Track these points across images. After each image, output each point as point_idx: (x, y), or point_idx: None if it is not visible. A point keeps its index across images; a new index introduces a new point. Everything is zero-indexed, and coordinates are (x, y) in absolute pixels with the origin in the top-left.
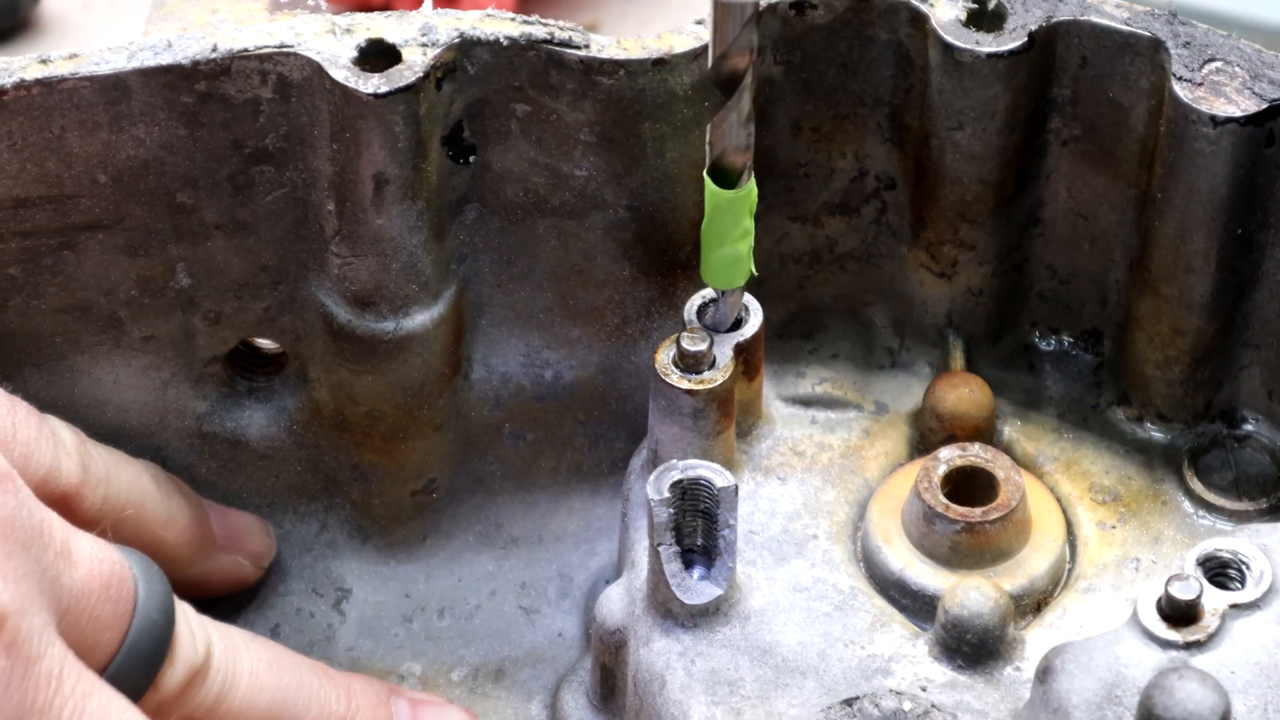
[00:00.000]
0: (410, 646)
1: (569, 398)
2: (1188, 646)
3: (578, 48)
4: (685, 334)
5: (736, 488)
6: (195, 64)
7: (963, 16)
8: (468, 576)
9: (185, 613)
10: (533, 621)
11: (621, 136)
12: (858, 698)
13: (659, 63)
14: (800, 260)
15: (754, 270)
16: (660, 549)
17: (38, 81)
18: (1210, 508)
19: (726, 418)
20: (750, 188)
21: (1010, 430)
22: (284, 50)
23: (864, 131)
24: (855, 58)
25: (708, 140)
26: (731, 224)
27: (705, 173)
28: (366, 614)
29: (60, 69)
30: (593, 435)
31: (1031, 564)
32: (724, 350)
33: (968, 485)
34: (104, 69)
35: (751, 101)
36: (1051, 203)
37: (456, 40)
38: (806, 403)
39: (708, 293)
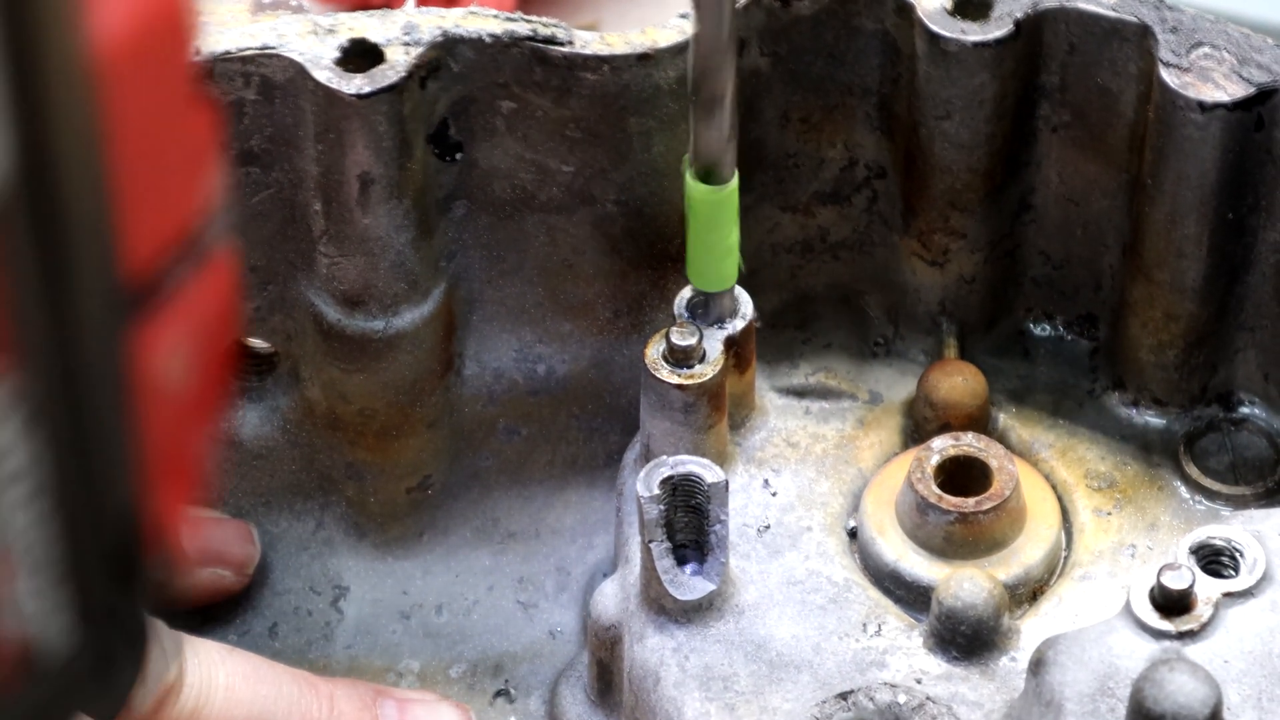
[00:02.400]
0: (408, 644)
1: (562, 392)
2: (1181, 636)
3: (561, 44)
4: (674, 329)
5: (727, 483)
6: None
7: (949, 5)
8: (465, 572)
9: (156, 631)
10: (531, 616)
11: (608, 132)
12: (853, 691)
13: (643, 58)
14: (792, 250)
15: (742, 268)
16: (651, 546)
17: None
18: (1207, 493)
19: (718, 411)
20: (733, 184)
21: (1005, 417)
22: (266, 52)
23: (853, 121)
24: (842, 48)
25: (690, 126)
26: (717, 222)
27: (689, 169)
28: (364, 611)
29: None
30: (587, 429)
31: (1027, 553)
32: (714, 344)
33: (961, 475)
34: None
35: (734, 86)
36: (1042, 189)
37: (440, 39)
38: (800, 393)
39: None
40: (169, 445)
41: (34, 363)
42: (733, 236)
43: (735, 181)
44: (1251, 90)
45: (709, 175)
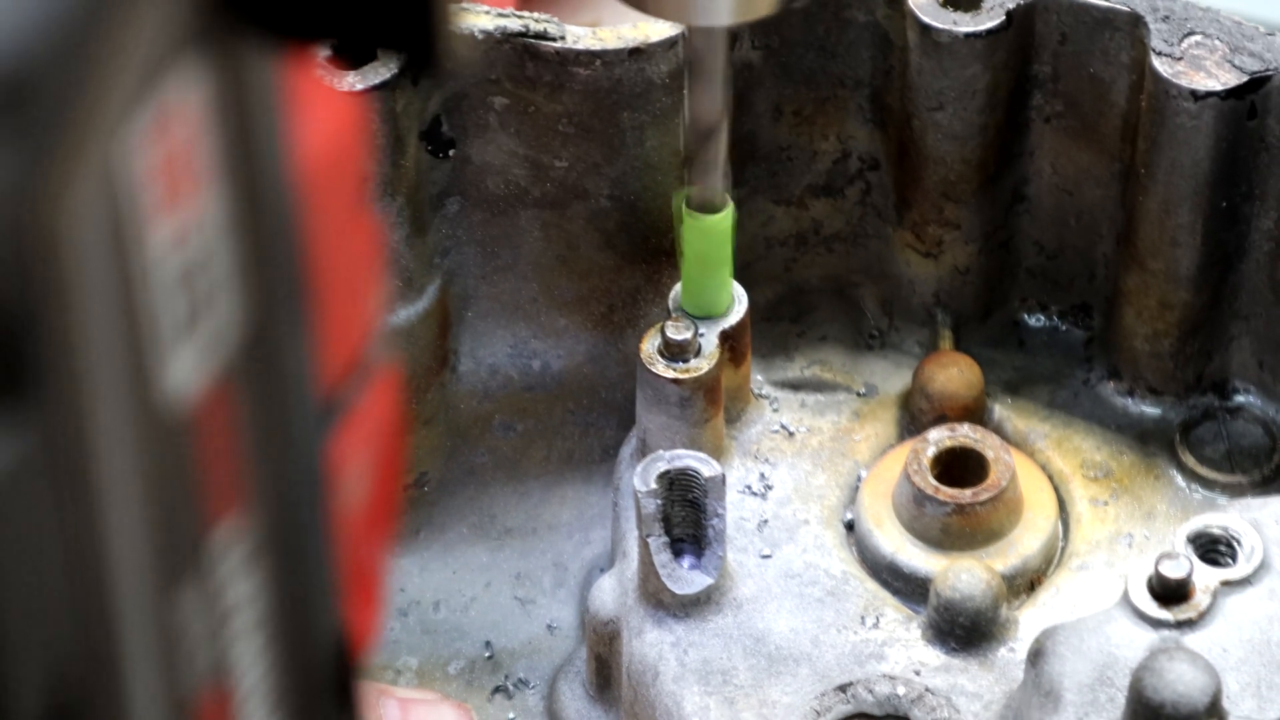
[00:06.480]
0: (406, 641)
1: (558, 387)
2: (1179, 625)
3: (553, 39)
4: (669, 323)
5: (724, 477)
6: None
7: None
8: (462, 569)
9: None
10: (528, 612)
11: (600, 126)
12: (851, 683)
13: (635, 52)
14: (786, 243)
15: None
16: (649, 540)
17: None
18: (1203, 481)
19: (714, 405)
20: (729, 212)
21: (1000, 408)
22: None
23: (845, 113)
24: (834, 40)
25: (684, 161)
26: (710, 252)
27: (684, 202)
28: None
29: None
30: (583, 424)
31: (1024, 544)
32: (709, 338)
33: (958, 466)
34: None
35: (728, 120)
36: (1036, 179)
37: None
38: (795, 386)
39: None
40: (355, 561)
41: (257, 500)
42: (726, 266)
43: (729, 212)
44: (1244, 78)
45: (702, 205)
